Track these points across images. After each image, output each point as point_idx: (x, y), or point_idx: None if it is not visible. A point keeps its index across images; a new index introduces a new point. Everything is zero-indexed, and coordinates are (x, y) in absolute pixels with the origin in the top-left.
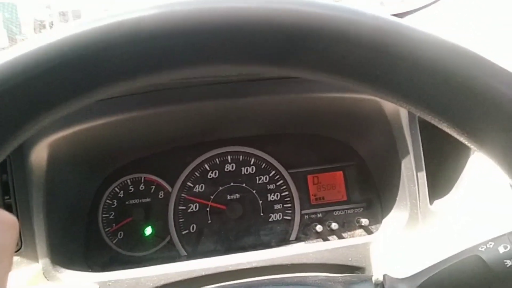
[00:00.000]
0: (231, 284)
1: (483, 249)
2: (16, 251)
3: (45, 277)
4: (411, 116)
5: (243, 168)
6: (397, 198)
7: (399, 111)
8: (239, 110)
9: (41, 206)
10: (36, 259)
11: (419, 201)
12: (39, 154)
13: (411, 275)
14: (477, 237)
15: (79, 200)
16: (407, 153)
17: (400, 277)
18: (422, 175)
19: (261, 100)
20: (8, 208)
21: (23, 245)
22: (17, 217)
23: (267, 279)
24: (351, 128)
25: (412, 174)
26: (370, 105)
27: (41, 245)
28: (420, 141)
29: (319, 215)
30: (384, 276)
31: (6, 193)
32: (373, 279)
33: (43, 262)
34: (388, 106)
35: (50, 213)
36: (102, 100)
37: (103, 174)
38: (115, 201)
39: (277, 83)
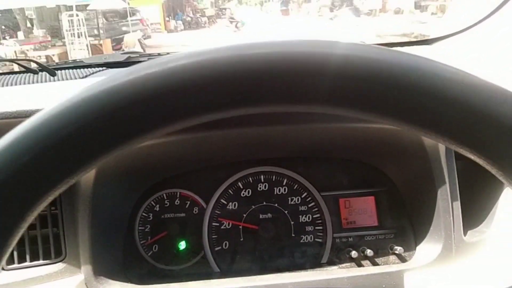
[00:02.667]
0: None
1: None
2: (61, 260)
3: None
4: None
5: (275, 188)
6: (431, 228)
7: (438, 143)
8: (275, 135)
9: (86, 218)
10: (78, 268)
11: (454, 232)
12: None
13: None
14: None
15: (120, 213)
16: (444, 183)
17: None
18: (457, 206)
19: (299, 127)
20: (54, 218)
21: (67, 254)
22: (62, 227)
23: None
24: (385, 154)
25: (447, 205)
26: (410, 136)
27: (84, 254)
28: (455, 171)
29: (350, 239)
30: None
31: (53, 204)
32: None
33: (85, 271)
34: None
35: (93, 225)
36: None
37: (142, 188)
38: (151, 214)
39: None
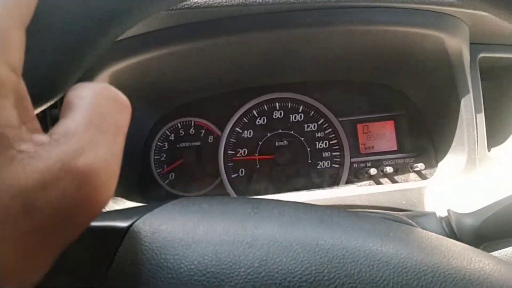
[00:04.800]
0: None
1: None
2: None
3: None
4: (472, 57)
5: (291, 116)
6: (454, 143)
7: (461, 50)
8: (289, 56)
9: None
10: None
11: (477, 146)
12: None
13: (477, 210)
14: None
15: (135, 138)
16: (468, 93)
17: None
18: (481, 119)
19: (315, 34)
20: None
21: None
22: None
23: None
24: (406, 71)
25: (471, 117)
26: (433, 42)
27: None
28: (480, 83)
29: (369, 164)
30: (449, 211)
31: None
32: (437, 214)
33: None
34: (451, 44)
35: None
36: (159, 30)
37: (156, 114)
38: (166, 143)
39: (336, 12)
